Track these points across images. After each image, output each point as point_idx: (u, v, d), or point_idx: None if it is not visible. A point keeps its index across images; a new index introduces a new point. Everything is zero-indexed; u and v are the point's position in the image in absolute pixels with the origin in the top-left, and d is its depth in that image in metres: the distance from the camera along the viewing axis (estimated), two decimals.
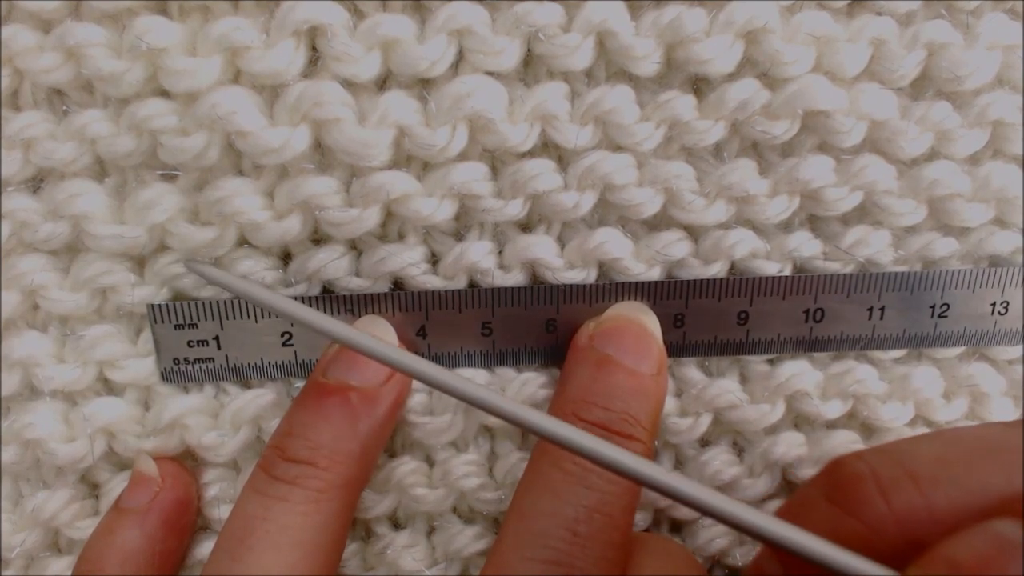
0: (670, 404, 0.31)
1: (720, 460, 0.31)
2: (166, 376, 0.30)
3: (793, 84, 0.27)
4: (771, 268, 0.30)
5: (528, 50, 0.27)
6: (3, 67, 0.27)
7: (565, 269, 0.29)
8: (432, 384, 0.25)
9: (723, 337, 0.30)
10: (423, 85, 0.27)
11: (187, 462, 0.31)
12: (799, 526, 0.20)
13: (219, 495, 0.31)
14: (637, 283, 0.29)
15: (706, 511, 0.22)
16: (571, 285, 0.29)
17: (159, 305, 0.29)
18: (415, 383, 0.30)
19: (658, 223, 0.29)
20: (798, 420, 0.32)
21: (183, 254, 0.28)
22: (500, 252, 0.29)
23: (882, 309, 0.30)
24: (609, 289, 0.29)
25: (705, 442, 0.32)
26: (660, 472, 0.22)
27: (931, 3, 0.28)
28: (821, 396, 0.31)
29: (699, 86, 0.28)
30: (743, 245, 0.29)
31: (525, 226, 0.30)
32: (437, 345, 0.30)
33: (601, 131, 0.28)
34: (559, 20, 0.27)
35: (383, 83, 0.28)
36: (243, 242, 0.29)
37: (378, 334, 0.28)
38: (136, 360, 0.30)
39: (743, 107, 0.27)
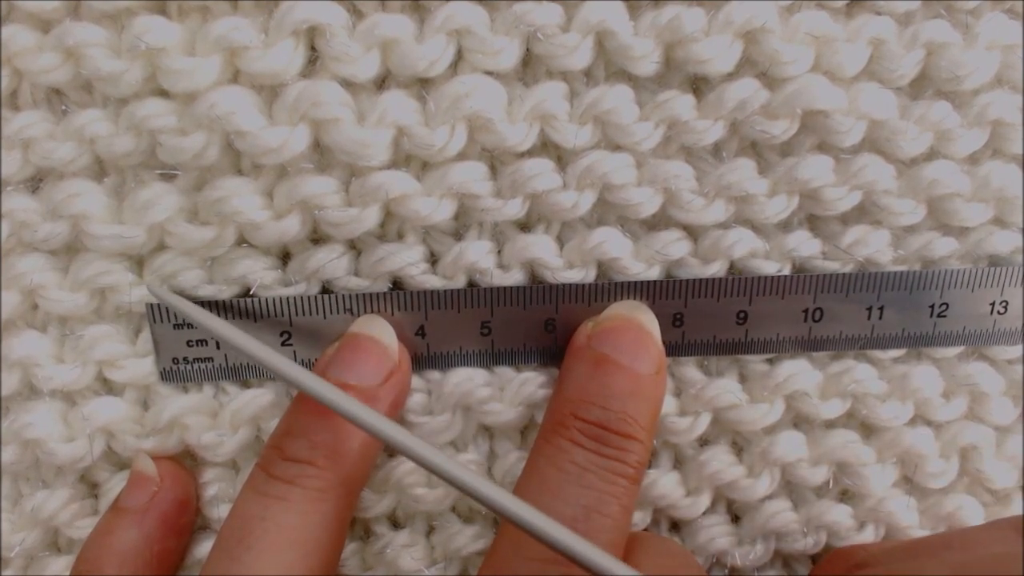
0: (669, 403, 0.31)
1: (719, 460, 0.31)
2: (165, 376, 0.30)
3: (792, 84, 0.27)
4: (770, 268, 0.30)
5: (527, 50, 0.27)
6: (3, 67, 0.27)
7: (564, 269, 0.29)
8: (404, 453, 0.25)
9: (722, 337, 0.30)
10: (422, 85, 0.27)
11: (186, 462, 0.31)
12: None
13: (218, 495, 0.31)
14: (636, 283, 0.29)
15: None
16: (570, 285, 0.29)
17: (158, 305, 0.29)
18: (414, 383, 0.30)
19: (657, 223, 0.29)
20: (797, 420, 0.32)
21: (182, 254, 0.28)
22: (499, 252, 0.29)
23: (881, 309, 0.30)
24: (608, 289, 0.29)
25: (704, 441, 0.32)
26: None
27: (930, 3, 0.28)
28: (820, 395, 0.31)
29: (698, 86, 0.28)
30: (742, 245, 0.29)
31: (524, 226, 0.30)
32: (436, 345, 0.30)
33: (600, 131, 0.28)
34: (558, 20, 0.27)
35: (382, 83, 0.28)
36: (242, 241, 0.29)
37: (377, 333, 0.28)
38: (135, 360, 0.30)
39: (742, 107, 0.27)
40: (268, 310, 0.29)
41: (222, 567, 0.25)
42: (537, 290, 0.29)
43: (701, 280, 0.29)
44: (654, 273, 0.29)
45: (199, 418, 0.30)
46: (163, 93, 0.27)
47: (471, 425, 0.31)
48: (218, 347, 0.29)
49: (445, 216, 0.28)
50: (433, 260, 0.29)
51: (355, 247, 0.29)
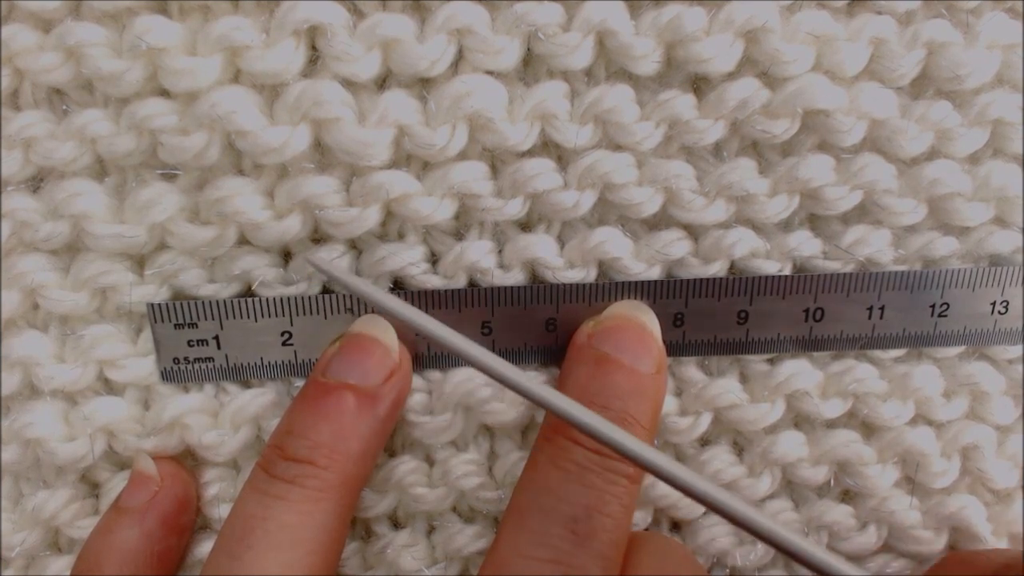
0: (670, 403, 0.31)
1: (720, 460, 0.31)
2: (166, 376, 0.30)
3: (793, 83, 0.27)
4: (771, 267, 0.30)
5: (528, 49, 0.27)
6: (3, 67, 0.27)
7: (565, 268, 0.29)
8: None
9: (723, 336, 0.30)
10: (423, 84, 0.27)
11: (187, 461, 0.31)
12: None
13: (219, 494, 0.31)
14: (637, 282, 0.29)
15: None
16: (571, 284, 0.29)
17: (159, 304, 0.29)
18: (415, 382, 0.30)
19: (658, 222, 0.29)
20: (798, 419, 0.32)
21: (183, 254, 0.29)
22: (500, 251, 0.29)
23: (882, 308, 0.30)
24: (609, 288, 0.29)
25: (705, 441, 0.32)
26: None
27: (931, 2, 0.28)
28: (821, 395, 0.31)
29: (699, 85, 0.28)
30: (743, 244, 0.29)
31: (525, 225, 0.30)
32: (437, 344, 0.30)
33: (601, 130, 0.28)
34: (559, 19, 0.27)
35: (383, 83, 0.28)
36: (243, 241, 0.29)
37: (378, 333, 0.28)
38: (136, 360, 0.30)
39: (743, 106, 0.27)
40: (269, 309, 0.29)
41: (223, 566, 0.25)
42: (538, 290, 0.29)
43: (702, 280, 0.29)
44: (655, 273, 0.29)
45: (200, 418, 0.30)
46: (164, 93, 0.27)
47: (472, 425, 0.31)
48: (219, 347, 0.29)
49: (446, 216, 0.28)
50: (434, 260, 0.29)
51: (356, 247, 0.29)
